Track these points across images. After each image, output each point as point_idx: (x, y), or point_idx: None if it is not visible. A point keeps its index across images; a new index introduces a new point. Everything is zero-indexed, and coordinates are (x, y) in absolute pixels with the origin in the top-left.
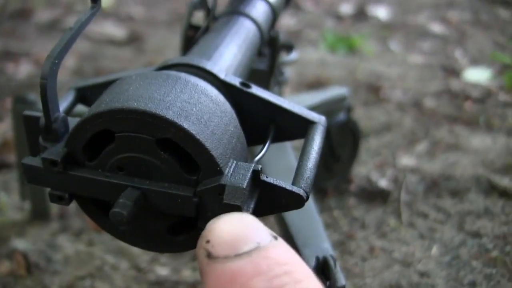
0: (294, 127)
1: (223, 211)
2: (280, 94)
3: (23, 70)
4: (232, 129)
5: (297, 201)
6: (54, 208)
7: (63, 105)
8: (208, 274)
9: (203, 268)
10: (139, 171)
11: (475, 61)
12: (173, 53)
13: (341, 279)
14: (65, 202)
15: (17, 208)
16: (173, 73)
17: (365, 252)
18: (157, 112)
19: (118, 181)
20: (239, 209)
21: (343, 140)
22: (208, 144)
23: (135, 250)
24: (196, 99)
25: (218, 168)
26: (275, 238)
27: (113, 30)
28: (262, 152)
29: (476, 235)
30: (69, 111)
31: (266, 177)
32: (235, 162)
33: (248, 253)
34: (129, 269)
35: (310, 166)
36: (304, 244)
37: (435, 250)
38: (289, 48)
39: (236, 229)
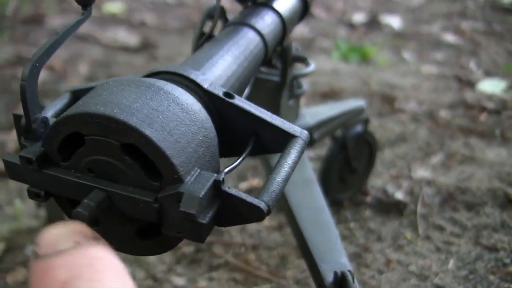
0: (274, 140)
1: (180, 218)
2: (297, 106)
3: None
4: (200, 138)
5: (257, 214)
6: None
7: (56, 107)
8: (31, 271)
9: (30, 266)
10: (107, 174)
11: (489, 72)
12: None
13: None
14: (41, 199)
15: (33, 215)
16: (148, 80)
17: (381, 264)
18: (121, 118)
19: (86, 182)
20: (194, 218)
21: (360, 152)
22: (169, 151)
23: (152, 259)
24: (165, 107)
25: (178, 176)
26: (96, 239)
27: (126, 36)
28: (235, 163)
29: (493, 249)
30: (62, 112)
31: (228, 187)
32: (198, 171)
33: (64, 250)
34: (145, 279)
35: (278, 179)
36: (322, 258)
37: (451, 263)
38: (302, 60)
39: (59, 232)
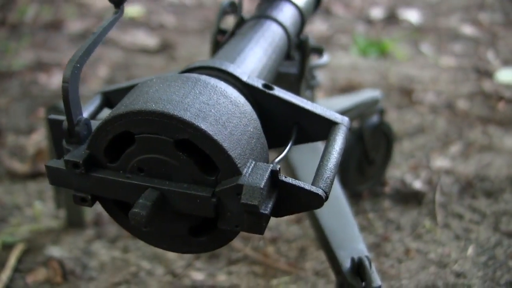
0: (317, 128)
1: (241, 211)
2: (312, 98)
3: (56, 80)
4: (251, 130)
5: (316, 201)
6: (89, 215)
7: (89, 109)
8: None
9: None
10: (159, 172)
11: (507, 62)
12: None
13: (376, 279)
14: (88, 204)
15: (53, 216)
16: (193, 75)
17: (400, 254)
18: (175, 114)
19: (138, 182)
20: (256, 209)
21: (377, 143)
22: (226, 144)
23: (171, 255)
24: (215, 101)
25: (236, 168)
26: None
27: (145, 39)
28: (284, 153)
29: None
30: (95, 115)
31: (285, 177)
32: (253, 162)
33: None
34: (164, 274)
35: (330, 166)
36: (339, 246)
37: (471, 250)
38: (319, 51)
39: None
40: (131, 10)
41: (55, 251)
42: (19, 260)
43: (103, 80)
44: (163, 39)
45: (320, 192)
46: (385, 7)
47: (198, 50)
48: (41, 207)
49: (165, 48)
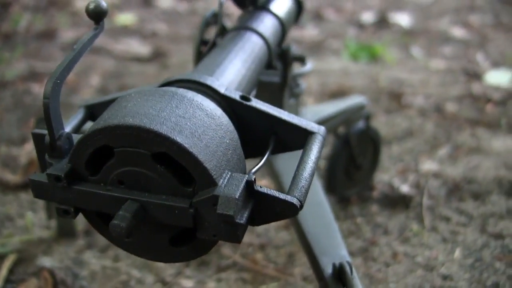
0: (294, 138)
1: (218, 221)
2: (297, 105)
3: None
4: (227, 141)
5: (291, 210)
6: (80, 225)
7: (73, 123)
8: None
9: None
10: (138, 184)
11: (496, 64)
12: None
13: (357, 285)
14: (71, 216)
15: (44, 227)
16: (170, 89)
17: (388, 257)
18: (151, 128)
19: (118, 194)
20: (232, 219)
21: (364, 149)
22: (201, 156)
23: (160, 263)
24: (191, 114)
25: (212, 180)
26: None
27: (137, 47)
28: (261, 163)
29: (499, 236)
30: (79, 128)
31: (260, 187)
32: (229, 173)
33: None
34: (154, 283)
35: (305, 175)
36: (321, 252)
37: (458, 253)
38: (301, 60)
39: None
40: (124, 18)
41: (46, 261)
42: (11, 271)
43: (95, 89)
44: (155, 47)
45: (294, 201)
46: (376, 10)
47: (191, 58)
48: (32, 217)
49: (157, 56)
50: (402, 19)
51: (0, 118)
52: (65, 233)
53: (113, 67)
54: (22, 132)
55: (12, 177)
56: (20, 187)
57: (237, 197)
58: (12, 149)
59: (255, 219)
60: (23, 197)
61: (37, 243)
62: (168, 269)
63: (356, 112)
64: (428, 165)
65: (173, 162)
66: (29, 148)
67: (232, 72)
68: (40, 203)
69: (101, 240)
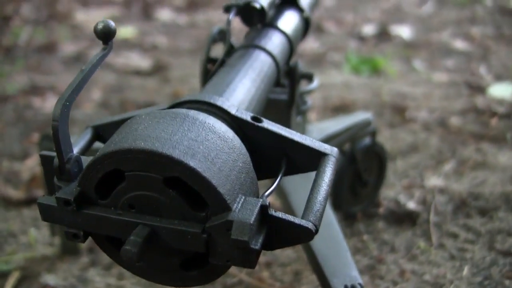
0: (306, 160)
1: (232, 246)
2: (303, 122)
3: (49, 104)
4: (240, 165)
5: (306, 235)
6: (84, 243)
7: (80, 144)
8: None
9: None
10: (149, 208)
11: (500, 77)
12: (197, 81)
13: None
14: (80, 240)
15: (47, 244)
16: (181, 111)
17: (395, 276)
18: (163, 152)
19: (129, 218)
20: (246, 245)
21: (370, 165)
22: (215, 181)
23: None
24: (203, 137)
25: (226, 204)
26: None
27: (138, 60)
28: (274, 185)
29: (508, 253)
30: (86, 149)
31: (275, 211)
32: (243, 197)
33: None
34: None
35: (320, 199)
36: (332, 273)
37: (466, 270)
38: (309, 77)
39: None
40: (124, 31)
41: (50, 279)
42: None
43: (97, 103)
44: (156, 60)
45: (310, 225)
46: (376, 23)
47: (191, 71)
48: (36, 234)
49: (158, 69)
50: (403, 31)
51: (2, 133)
52: (69, 251)
53: (114, 80)
54: (23, 146)
55: (14, 193)
56: (23, 203)
57: (251, 222)
58: (14, 164)
59: (269, 244)
60: (26, 213)
61: (41, 260)
62: None
63: (362, 129)
64: (434, 181)
65: (185, 186)
66: (31, 163)
67: (242, 91)
68: None
69: (105, 257)
